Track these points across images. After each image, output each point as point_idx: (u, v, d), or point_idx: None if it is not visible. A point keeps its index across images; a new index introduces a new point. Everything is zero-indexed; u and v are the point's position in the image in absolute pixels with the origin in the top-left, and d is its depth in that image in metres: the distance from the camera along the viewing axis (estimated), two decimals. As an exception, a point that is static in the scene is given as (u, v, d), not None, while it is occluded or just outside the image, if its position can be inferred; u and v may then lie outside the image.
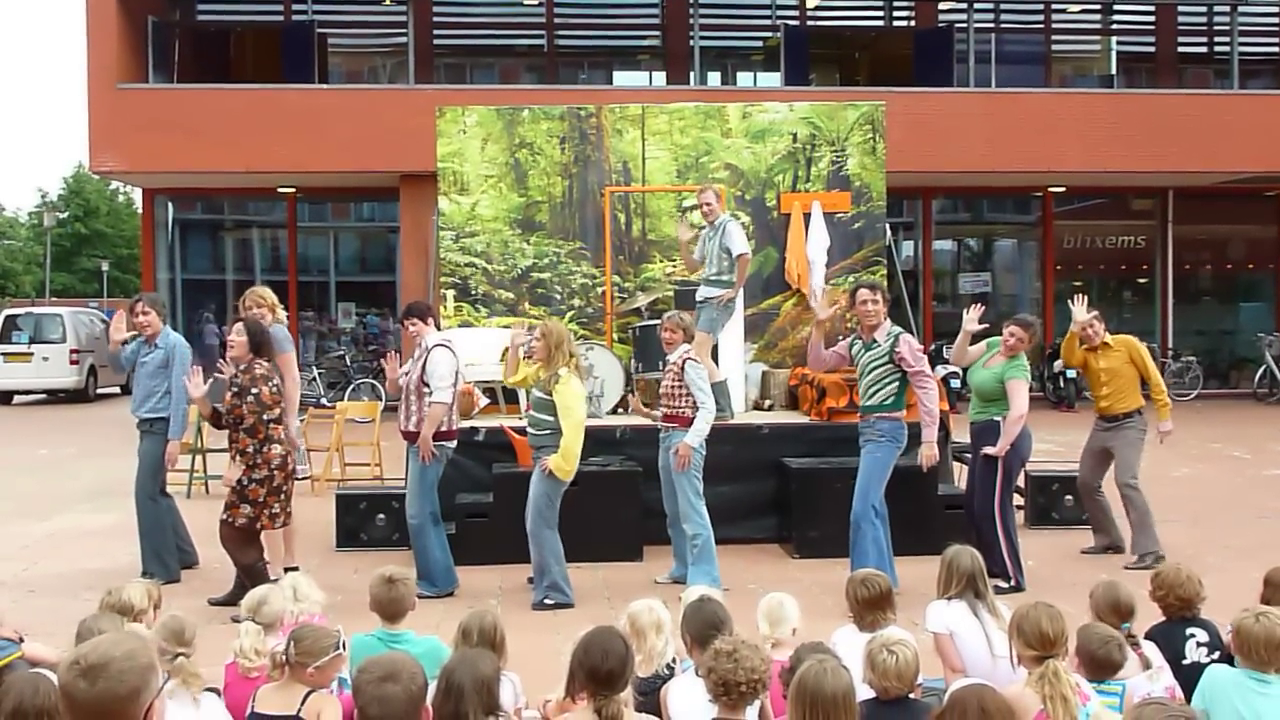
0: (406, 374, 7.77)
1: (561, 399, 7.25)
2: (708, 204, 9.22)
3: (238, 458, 7.17)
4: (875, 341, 7.50)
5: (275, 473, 7.16)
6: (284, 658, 4.09)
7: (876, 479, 7.41)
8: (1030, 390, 7.89)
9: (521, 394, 8.84)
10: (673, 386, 7.66)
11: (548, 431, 7.33)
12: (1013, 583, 7.50)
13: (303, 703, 3.99)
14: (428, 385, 7.54)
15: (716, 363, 9.59)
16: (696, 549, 7.52)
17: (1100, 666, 4.12)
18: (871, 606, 4.71)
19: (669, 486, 7.74)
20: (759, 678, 3.66)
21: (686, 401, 7.60)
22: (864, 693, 3.86)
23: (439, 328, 8.06)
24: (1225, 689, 3.94)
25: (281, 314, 8.70)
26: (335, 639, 4.17)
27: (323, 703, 4.02)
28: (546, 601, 7.29)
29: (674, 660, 4.55)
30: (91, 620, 4.35)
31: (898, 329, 7.58)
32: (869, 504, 7.33)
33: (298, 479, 7.84)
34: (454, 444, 7.80)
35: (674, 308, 10.15)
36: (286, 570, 7.13)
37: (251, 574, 7.02)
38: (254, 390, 7.08)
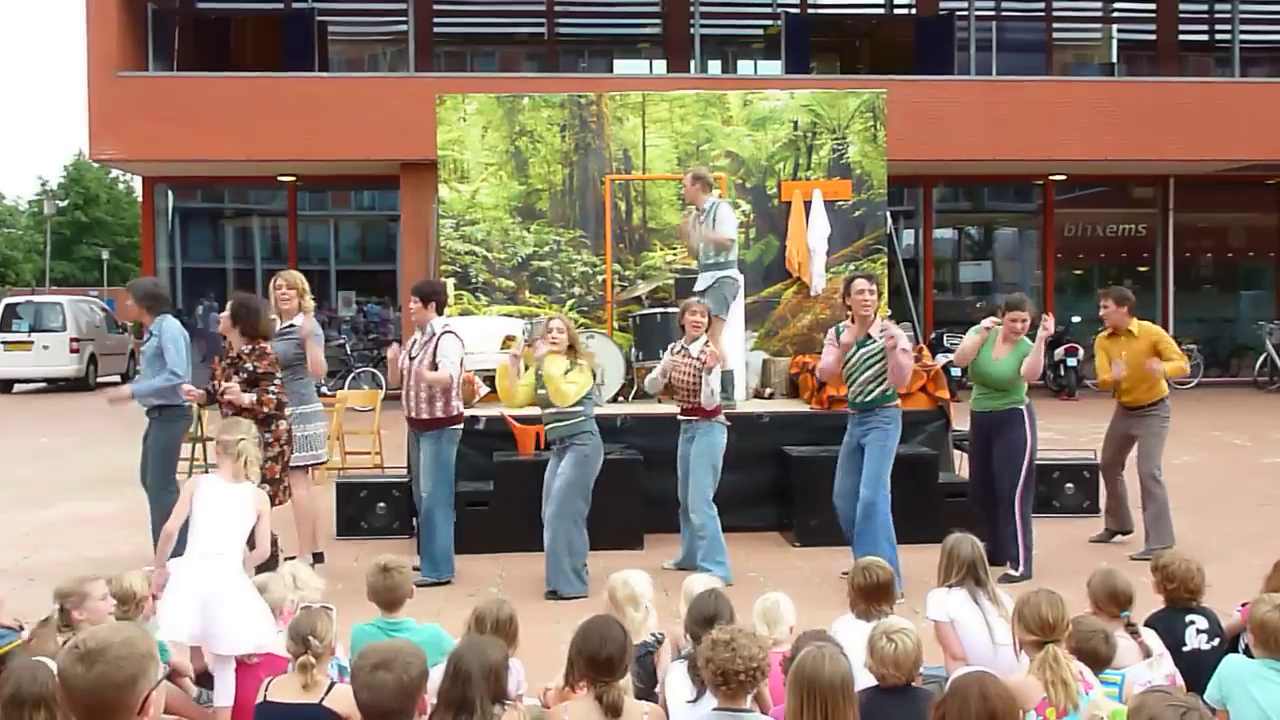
0: (413, 358, 7.66)
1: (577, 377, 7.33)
2: (686, 187, 9.27)
3: None
4: (870, 337, 7.34)
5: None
6: (306, 653, 4.06)
7: (888, 465, 7.33)
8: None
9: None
10: (691, 379, 7.56)
11: (574, 419, 7.35)
12: (1021, 570, 7.46)
13: (326, 693, 3.97)
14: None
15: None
16: (704, 541, 7.50)
17: (1087, 659, 4.11)
18: (867, 596, 4.69)
19: (688, 478, 7.71)
20: (757, 666, 3.63)
21: (705, 394, 7.55)
22: (865, 680, 3.86)
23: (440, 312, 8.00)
24: (1243, 679, 3.94)
25: (308, 302, 8.20)
26: (330, 612, 4.26)
27: (348, 694, 3.98)
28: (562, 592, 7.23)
29: (659, 633, 4.64)
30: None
31: (884, 320, 7.44)
32: (880, 490, 7.25)
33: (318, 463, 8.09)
34: (460, 427, 7.77)
35: (674, 296, 10.15)
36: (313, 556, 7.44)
37: None
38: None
